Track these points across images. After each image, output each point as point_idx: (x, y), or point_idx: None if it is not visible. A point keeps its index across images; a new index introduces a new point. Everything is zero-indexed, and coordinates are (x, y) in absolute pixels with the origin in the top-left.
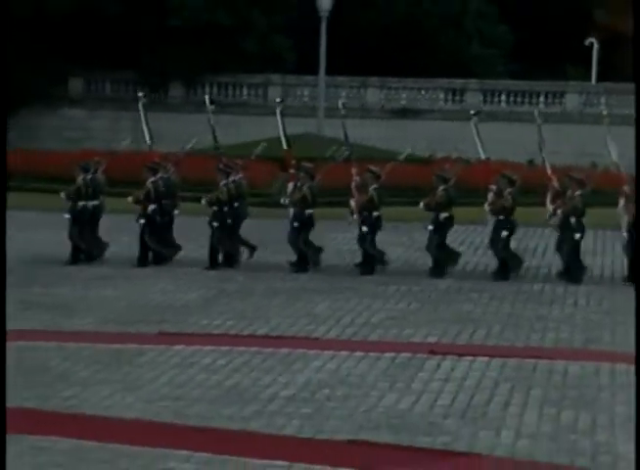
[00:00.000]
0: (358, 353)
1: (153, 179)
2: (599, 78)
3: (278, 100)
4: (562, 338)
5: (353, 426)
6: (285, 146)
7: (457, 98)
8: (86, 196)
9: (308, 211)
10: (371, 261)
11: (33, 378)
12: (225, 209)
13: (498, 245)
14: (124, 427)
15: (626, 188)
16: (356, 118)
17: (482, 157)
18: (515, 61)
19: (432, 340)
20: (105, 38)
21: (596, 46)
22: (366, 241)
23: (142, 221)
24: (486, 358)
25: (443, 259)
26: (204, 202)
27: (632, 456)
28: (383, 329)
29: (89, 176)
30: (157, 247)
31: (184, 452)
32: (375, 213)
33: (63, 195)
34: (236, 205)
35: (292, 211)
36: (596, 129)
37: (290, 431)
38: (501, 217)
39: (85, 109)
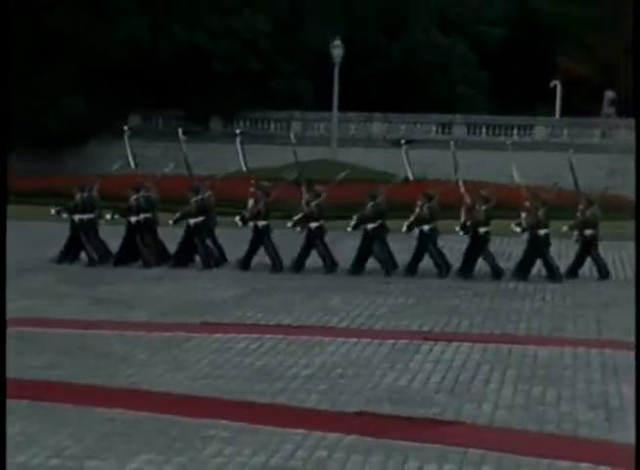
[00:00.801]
0: (365, 340)
1: (135, 196)
2: (562, 113)
3: (238, 131)
4: (532, 327)
5: (361, 400)
6: (244, 169)
7: (446, 130)
8: (82, 210)
9: (371, 226)
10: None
11: (100, 360)
12: (195, 220)
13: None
14: (174, 401)
15: (527, 203)
16: (363, 147)
17: (411, 177)
18: (493, 99)
19: (425, 329)
20: (158, 81)
21: (559, 87)
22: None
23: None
24: (470, 344)
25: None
26: (177, 215)
27: (591, 423)
28: (385, 320)
29: (85, 194)
30: (142, 250)
31: (222, 422)
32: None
33: (53, 210)
34: (203, 218)
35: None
36: (559, 156)
37: (309, 404)
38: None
39: (142, 139)
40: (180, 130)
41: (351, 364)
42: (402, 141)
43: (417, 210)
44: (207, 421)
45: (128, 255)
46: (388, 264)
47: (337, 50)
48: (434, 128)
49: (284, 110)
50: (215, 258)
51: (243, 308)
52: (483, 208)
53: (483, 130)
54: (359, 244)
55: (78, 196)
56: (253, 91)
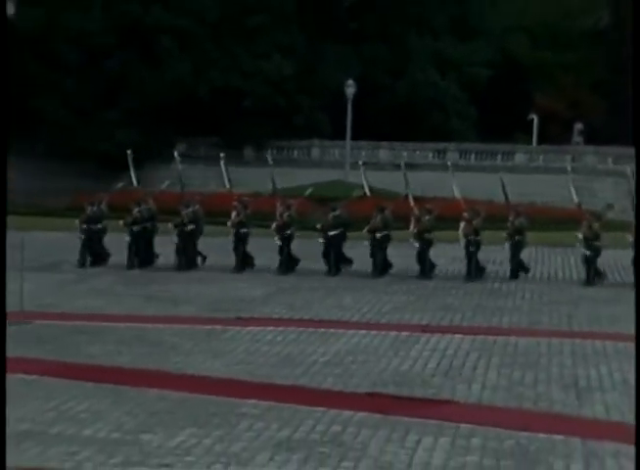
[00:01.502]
0: (373, 332)
1: (138, 209)
2: (538, 142)
3: (270, 159)
4: (513, 321)
5: (370, 382)
6: (227, 186)
7: (441, 156)
8: (94, 221)
9: (332, 233)
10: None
11: (152, 349)
12: (186, 228)
13: (471, 258)
14: (213, 383)
15: (465, 214)
16: (371, 170)
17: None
18: (480, 130)
19: (424, 322)
20: (199, 115)
21: (536, 120)
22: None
23: (127, 238)
24: (461, 335)
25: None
26: (170, 225)
27: (563, 401)
28: (389, 315)
29: (95, 208)
30: (142, 254)
31: (253, 401)
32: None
33: (77, 222)
34: (193, 226)
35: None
36: (535, 177)
37: (326, 386)
38: (470, 238)
39: (187, 164)
40: (222, 155)
41: (361, 352)
42: (360, 161)
43: (372, 220)
44: (240, 400)
45: (148, 257)
46: (346, 264)
47: (350, 89)
48: (431, 154)
49: (305, 139)
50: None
51: (270, 305)
52: (427, 218)
53: (472, 156)
54: (323, 249)
55: (89, 209)
56: (279, 123)
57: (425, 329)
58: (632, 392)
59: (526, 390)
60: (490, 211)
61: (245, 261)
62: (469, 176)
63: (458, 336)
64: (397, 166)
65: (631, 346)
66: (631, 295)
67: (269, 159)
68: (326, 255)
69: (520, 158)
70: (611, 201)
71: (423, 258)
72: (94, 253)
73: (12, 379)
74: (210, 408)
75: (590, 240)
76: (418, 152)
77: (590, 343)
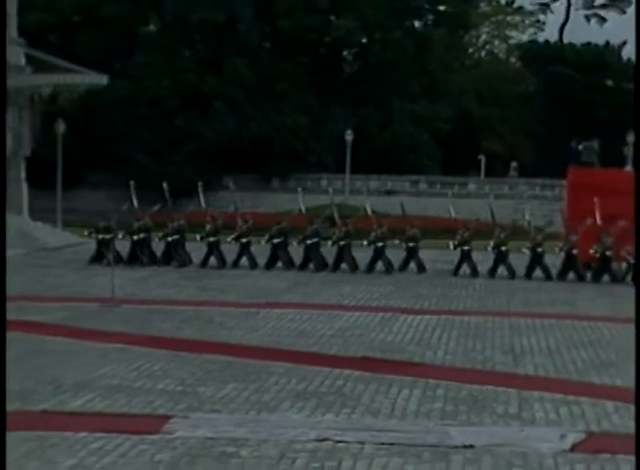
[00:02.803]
0: (365, 313)
1: (137, 224)
2: (485, 176)
3: (300, 189)
4: (467, 305)
5: (363, 350)
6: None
7: (414, 185)
8: (177, 233)
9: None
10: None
11: (206, 325)
12: (241, 240)
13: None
14: (250, 350)
15: (460, 230)
16: (365, 195)
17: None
18: (443, 167)
19: (402, 306)
20: (241, 156)
21: (483, 160)
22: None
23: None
24: (429, 316)
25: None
26: (228, 239)
27: (503, 362)
28: (378, 301)
29: (174, 224)
30: (142, 257)
31: (279, 363)
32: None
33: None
34: (178, 236)
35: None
36: (482, 201)
37: (331, 352)
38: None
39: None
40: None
41: (357, 328)
42: (385, 191)
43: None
44: (269, 362)
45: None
46: (287, 264)
47: (349, 137)
48: (407, 184)
49: (316, 173)
50: (184, 261)
51: (290, 294)
52: (380, 230)
53: (438, 185)
54: (270, 252)
55: (136, 225)
56: (298, 162)
57: (403, 311)
58: (555, 355)
59: (477, 355)
60: (447, 226)
61: (272, 263)
62: (433, 200)
63: (427, 316)
64: (383, 193)
65: (554, 322)
66: (550, 285)
67: (299, 190)
68: (273, 257)
69: (471, 187)
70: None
71: (375, 259)
72: (175, 256)
73: (107, 347)
74: (248, 369)
75: (499, 246)
76: (398, 183)
77: (523, 320)
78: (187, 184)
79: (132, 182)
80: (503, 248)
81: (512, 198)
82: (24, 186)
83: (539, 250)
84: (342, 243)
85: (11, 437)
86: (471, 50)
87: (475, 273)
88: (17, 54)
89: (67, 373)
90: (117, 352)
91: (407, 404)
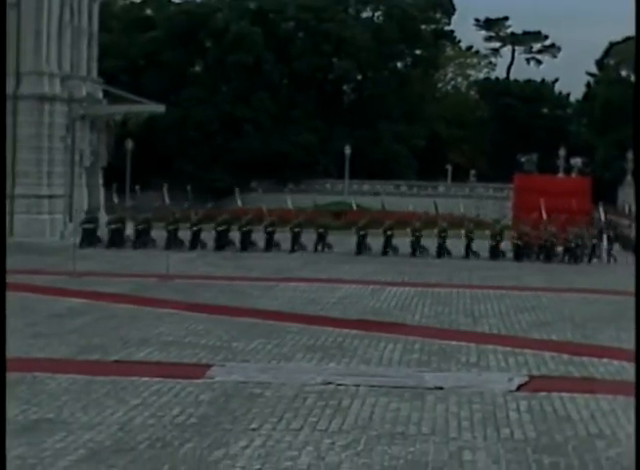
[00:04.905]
0: (360, 286)
1: (246, 219)
2: (452, 181)
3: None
4: (438, 279)
5: (358, 313)
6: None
7: (397, 188)
8: (224, 224)
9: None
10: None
11: (238, 295)
12: (268, 229)
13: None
14: (272, 314)
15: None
16: (360, 195)
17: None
18: (419, 174)
19: (388, 280)
20: (265, 166)
21: (450, 169)
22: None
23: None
24: (409, 288)
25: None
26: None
27: (465, 323)
28: (369, 276)
29: (197, 217)
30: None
31: (294, 324)
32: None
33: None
34: (273, 228)
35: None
36: (450, 200)
37: (334, 315)
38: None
39: (259, 193)
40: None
41: (353, 297)
42: (375, 192)
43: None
44: (287, 323)
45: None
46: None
47: (347, 151)
48: (392, 187)
49: (322, 179)
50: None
51: (303, 271)
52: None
53: (415, 188)
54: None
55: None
56: (308, 171)
57: (389, 283)
58: (505, 318)
59: (445, 317)
60: (427, 219)
61: (295, 247)
62: (412, 199)
63: (407, 288)
64: (374, 194)
65: (504, 292)
66: (500, 264)
67: (314, 203)
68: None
69: (441, 189)
70: (494, 214)
71: (388, 243)
72: (223, 242)
73: (163, 312)
74: (270, 328)
75: (470, 233)
76: (385, 186)
77: (480, 291)
78: (225, 188)
79: (237, 189)
80: (443, 234)
81: (472, 198)
82: (101, 190)
83: (498, 238)
84: (361, 233)
85: (94, 381)
86: (440, 85)
87: (425, 252)
88: (96, 90)
89: (132, 332)
90: (170, 316)
91: (392, 355)
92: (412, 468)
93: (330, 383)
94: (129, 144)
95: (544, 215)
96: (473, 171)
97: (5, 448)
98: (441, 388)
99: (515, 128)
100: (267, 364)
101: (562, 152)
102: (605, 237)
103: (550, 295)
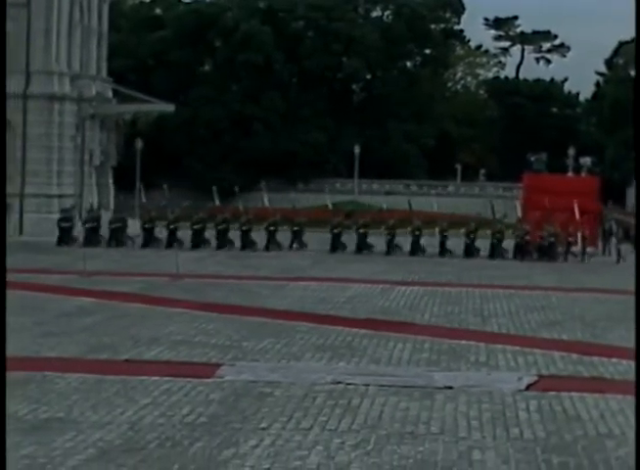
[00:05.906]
0: (369, 285)
1: (221, 217)
2: (461, 180)
3: (328, 202)
4: (447, 278)
5: (368, 312)
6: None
7: (407, 187)
8: (246, 224)
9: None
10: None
11: (247, 294)
12: (271, 228)
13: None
14: (281, 313)
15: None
16: (370, 195)
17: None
18: (429, 173)
19: (396, 279)
20: (274, 165)
21: (459, 168)
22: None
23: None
24: (418, 287)
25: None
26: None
27: (475, 322)
28: (379, 275)
29: (223, 216)
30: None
31: (303, 323)
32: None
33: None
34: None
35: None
36: (459, 200)
37: (344, 314)
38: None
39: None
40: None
41: (362, 296)
42: (384, 191)
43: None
44: (296, 323)
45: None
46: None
47: (357, 150)
48: (401, 186)
49: (332, 178)
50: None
51: (313, 270)
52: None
53: (424, 188)
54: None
55: (194, 218)
56: (318, 170)
57: (398, 283)
58: (514, 317)
59: (454, 317)
60: (430, 218)
61: (301, 246)
62: (422, 199)
63: (416, 287)
64: (384, 193)
65: (514, 292)
66: (509, 263)
67: (326, 190)
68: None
69: (450, 189)
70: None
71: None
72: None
73: (173, 311)
74: (279, 328)
75: (472, 233)
76: (395, 186)
77: (490, 290)
78: (231, 186)
79: (165, 185)
80: (445, 233)
81: (481, 197)
82: (112, 189)
83: (499, 236)
84: (360, 231)
85: (104, 380)
86: (449, 84)
87: (423, 250)
88: (105, 89)
89: (142, 331)
90: (180, 315)
91: (401, 355)
92: (421, 467)
93: (339, 382)
94: (139, 143)
95: (577, 215)
96: (482, 171)
97: (5, 449)
98: (451, 387)
99: (524, 128)
100: (277, 364)
101: (571, 151)
102: (613, 237)
103: (559, 294)
